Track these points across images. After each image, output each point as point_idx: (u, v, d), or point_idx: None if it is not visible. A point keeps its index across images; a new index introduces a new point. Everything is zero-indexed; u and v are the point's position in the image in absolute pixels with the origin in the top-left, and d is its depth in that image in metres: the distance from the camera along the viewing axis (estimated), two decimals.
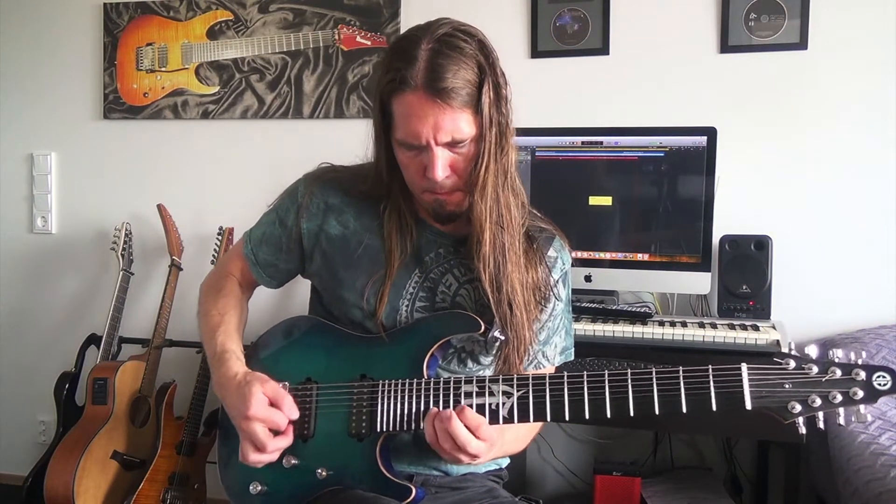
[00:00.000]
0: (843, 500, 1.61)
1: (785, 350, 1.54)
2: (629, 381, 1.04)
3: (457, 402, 1.09)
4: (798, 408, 0.98)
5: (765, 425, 1.61)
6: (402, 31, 2.34)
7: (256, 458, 1.12)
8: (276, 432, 1.13)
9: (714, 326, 1.78)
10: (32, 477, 2.16)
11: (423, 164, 1.12)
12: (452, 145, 1.11)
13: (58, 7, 2.66)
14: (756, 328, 1.77)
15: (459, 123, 1.09)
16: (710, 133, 1.90)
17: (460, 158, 1.13)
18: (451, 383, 1.11)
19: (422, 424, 1.10)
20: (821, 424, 1.00)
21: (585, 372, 1.06)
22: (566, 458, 2.32)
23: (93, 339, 2.40)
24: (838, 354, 1.01)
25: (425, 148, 1.10)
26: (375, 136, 1.19)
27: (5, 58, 2.73)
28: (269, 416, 1.11)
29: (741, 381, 1.00)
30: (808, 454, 1.90)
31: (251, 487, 1.19)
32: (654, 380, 1.03)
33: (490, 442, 1.07)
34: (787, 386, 0.99)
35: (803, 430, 1.01)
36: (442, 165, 1.11)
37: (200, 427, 2.28)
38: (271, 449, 1.12)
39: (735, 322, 1.85)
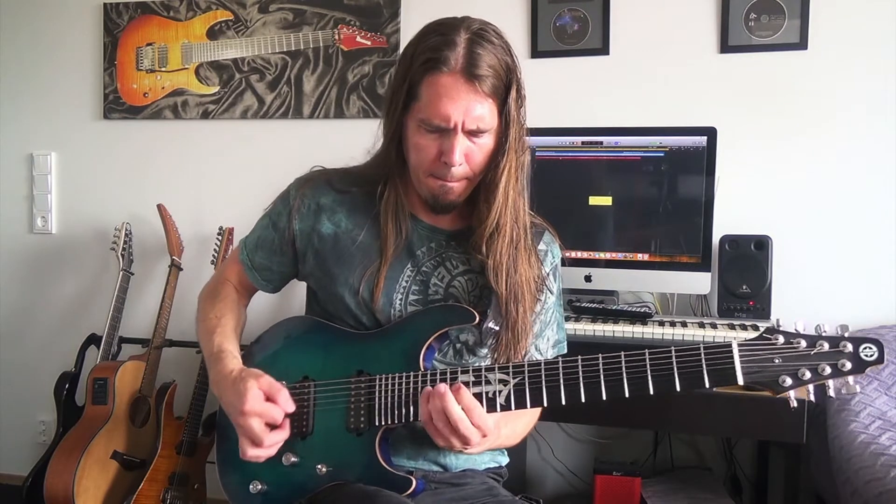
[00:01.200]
0: (843, 500, 1.61)
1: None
2: (623, 363, 1.05)
3: None
4: (789, 381, 1.01)
5: (765, 425, 1.62)
6: (402, 31, 2.36)
7: (255, 454, 1.12)
8: (274, 427, 1.13)
9: (714, 326, 1.78)
10: (32, 477, 2.16)
11: (439, 149, 1.14)
12: (473, 134, 1.14)
13: (58, 7, 2.66)
14: (756, 328, 1.77)
15: (486, 112, 1.13)
16: (710, 133, 1.90)
17: (476, 150, 1.15)
18: (448, 374, 1.12)
19: (418, 416, 1.11)
20: (811, 397, 1.03)
21: (580, 356, 1.08)
22: (566, 458, 2.32)
23: (93, 339, 2.40)
24: (825, 328, 1.03)
25: (448, 132, 1.13)
26: (390, 117, 1.20)
27: (5, 58, 2.73)
28: (265, 410, 1.11)
29: (732, 357, 1.02)
30: (808, 454, 1.89)
31: (251, 487, 1.19)
32: (648, 361, 1.05)
33: (484, 430, 1.07)
34: (776, 361, 1.02)
35: (794, 403, 1.04)
36: (460, 151, 1.13)
37: (200, 427, 2.28)
38: (268, 443, 1.12)
39: (735, 322, 1.85)
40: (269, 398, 1.13)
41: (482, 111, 1.12)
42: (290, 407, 1.14)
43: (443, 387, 1.07)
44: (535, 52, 2.28)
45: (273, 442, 1.13)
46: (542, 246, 1.30)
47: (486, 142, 1.16)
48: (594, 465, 2.12)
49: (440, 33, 1.13)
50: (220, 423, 1.29)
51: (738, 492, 2.16)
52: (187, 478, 2.23)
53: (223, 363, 1.20)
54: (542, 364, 1.09)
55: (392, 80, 1.22)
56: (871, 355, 1.00)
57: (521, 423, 1.26)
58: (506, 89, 1.14)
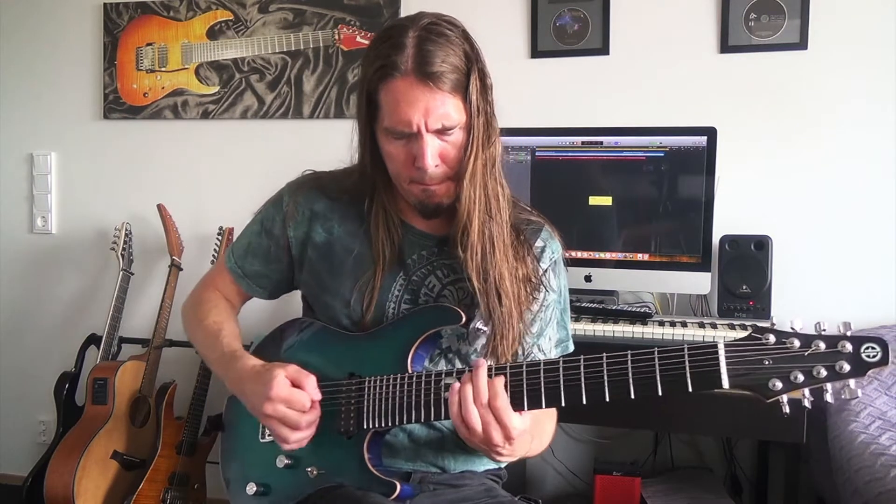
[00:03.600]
0: (843, 500, 1.61)
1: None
2: (605, 365, 1.01)
3: (437, 395, 1.08)
4: (779, 385, 0.93)
5: (765, 425, 1.62)
6: None
7: (297, 437, 1.11)
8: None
9: (714, 326, 1.78)
10: (32, 477, 2.16)
11: (411, 154, 1.12)
12: (442, 132, 1.11)
13: (58, 7, 2.66)
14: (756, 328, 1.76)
15: (449, 108, 1.09)
16: (710, 133, 1.90)
17: (449, 147, 1.12)
18: (433, 376, 1.10)
19: (405, 419, 1.10)
20: (806, 403, 0.95)
21: (561, 358, 1.04)
22: (566, 458, 2.32)
23: (93, 339, 2.40)
24: (825, 327, 0.94)
25: (415, 136, 1.10)
26: (360, 129, 1.18)
27: (5, 58, 2.73)
28: (292, 395, 1.10)
29: (717, 359, 0.95)
30: (808, 454, 1.89)
31: (247, 488, 1.19)
32: (630, 363, 0.99)
33: (508, 427, 1.02)
34: (766, 362, 0.94)
35: (787, 409, 0.95)
36: (432, 154, 1.10)
37: (200, 427, 2.28)
38: (304, 425, 1.10)
39: (735, 322, 1.85)
40: (296, 385, 1.11)
41: (444, 109, 1.08)
42: (317, 394, 1.12)
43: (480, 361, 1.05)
44: (535, 52, 2.28)
45: (308, 422, 1.11)
46: (538, 243, 1.26)
47: (458, 137, 1.12)
48: (594, 465, 2.13)
49: (389, 37, 1.10)
50: (226, 420, 1.29)
51: (738, 492, 2.16)
52: (187, 478, 2.23)
53: (242, 361, 1.19)
54: (524, 366, 1.05)
55: (356, 93, 1.19)
56: (874, 356, 0.90)
57: (546, 436, 1.24)
58: (467, 79, 1.10)
